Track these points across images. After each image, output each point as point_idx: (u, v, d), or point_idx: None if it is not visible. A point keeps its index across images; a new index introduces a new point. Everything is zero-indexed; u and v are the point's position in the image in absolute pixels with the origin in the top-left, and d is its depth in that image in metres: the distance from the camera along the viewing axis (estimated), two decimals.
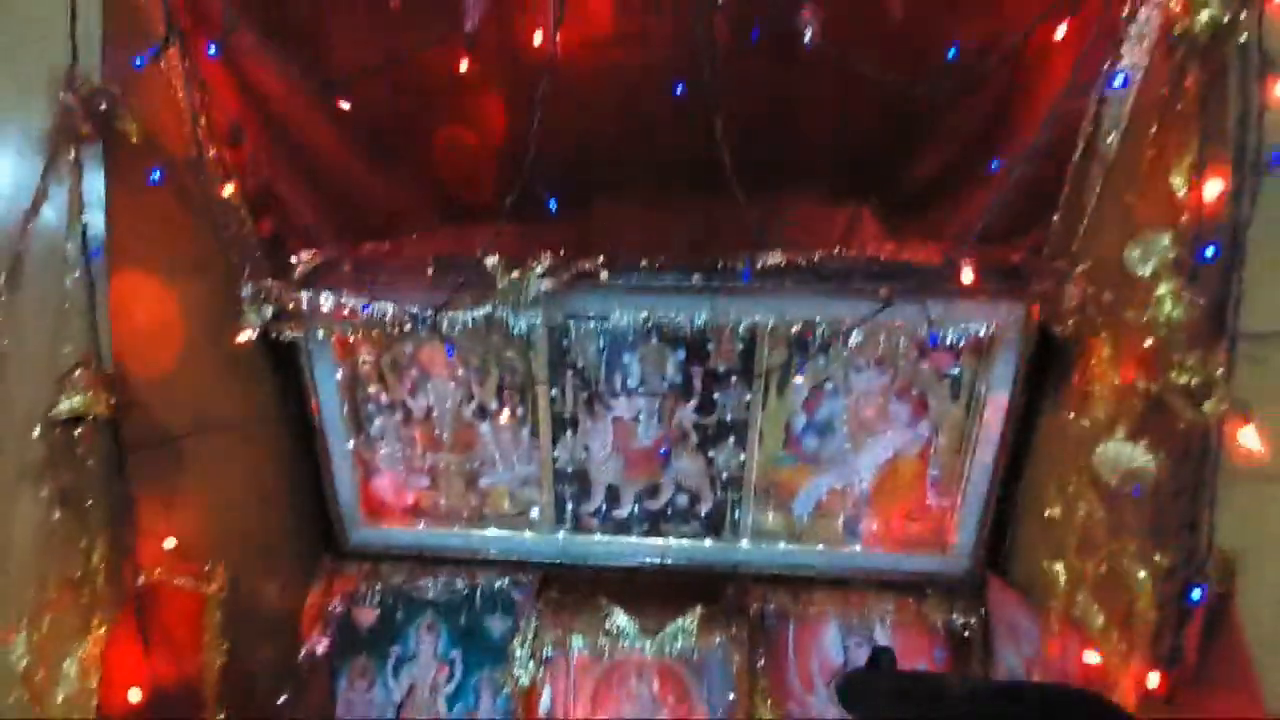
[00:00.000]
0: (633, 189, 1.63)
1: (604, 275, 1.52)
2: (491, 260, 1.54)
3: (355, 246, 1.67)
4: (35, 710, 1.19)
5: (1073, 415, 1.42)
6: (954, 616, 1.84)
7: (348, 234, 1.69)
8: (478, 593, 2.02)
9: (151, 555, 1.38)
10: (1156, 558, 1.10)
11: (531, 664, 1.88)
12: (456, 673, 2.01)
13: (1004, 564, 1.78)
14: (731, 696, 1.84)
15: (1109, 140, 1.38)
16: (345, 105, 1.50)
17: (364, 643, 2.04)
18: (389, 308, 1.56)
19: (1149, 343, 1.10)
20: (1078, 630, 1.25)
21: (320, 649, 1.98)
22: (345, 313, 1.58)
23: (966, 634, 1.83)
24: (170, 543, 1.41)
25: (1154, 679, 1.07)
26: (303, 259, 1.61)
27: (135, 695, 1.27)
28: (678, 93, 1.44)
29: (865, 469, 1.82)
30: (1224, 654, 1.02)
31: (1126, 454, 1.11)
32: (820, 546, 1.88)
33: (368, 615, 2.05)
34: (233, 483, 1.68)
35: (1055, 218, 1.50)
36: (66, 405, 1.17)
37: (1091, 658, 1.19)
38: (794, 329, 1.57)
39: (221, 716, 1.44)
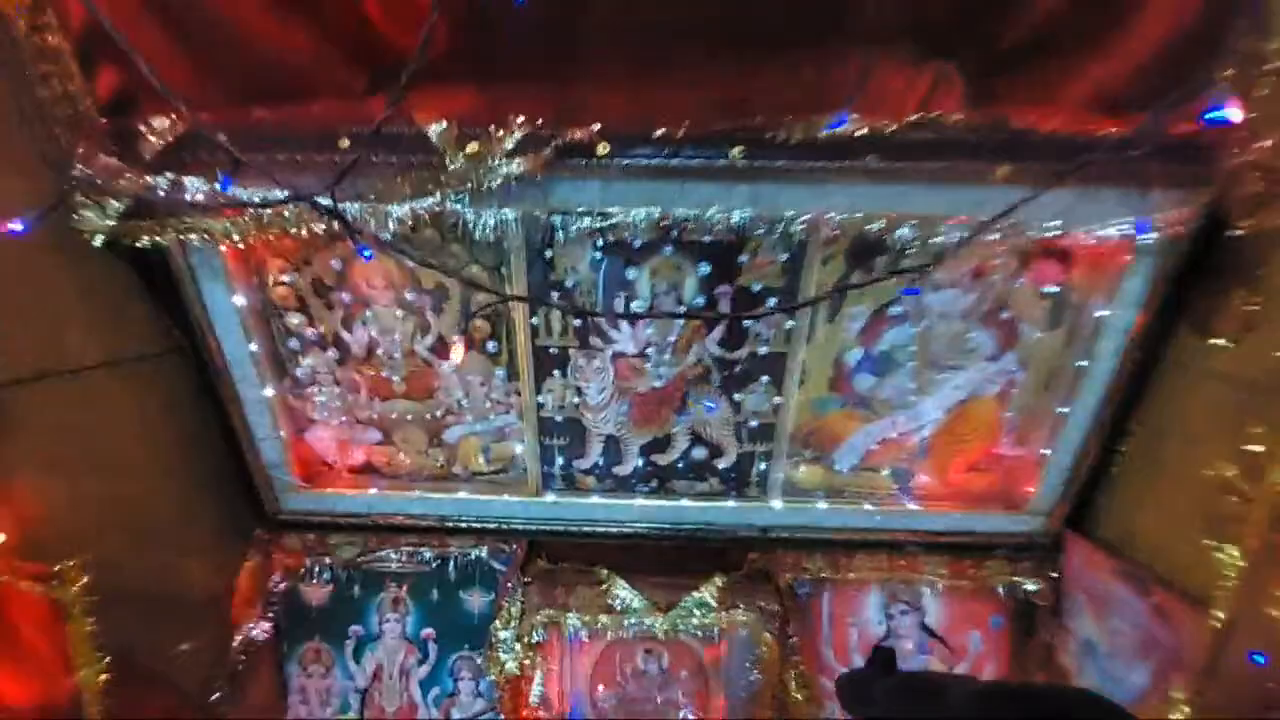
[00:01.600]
0: (636, 42, 1.13)
1: (601, 149, 1.05)
2: (437, 128, 1.05)
3: (235, 110, 1.14)
4: None
5: (1232, 341, 1.06)
6: (1018, 580, 1.56)
7: (226, 95, 1.16)
8: (450, 564, 1.67)
9: None
10: None
11: (519, 647, 1.57)
12: (430, 654, 1.70)
13: (1090, 524, 1.48)
14: (757, 675, 1.58)
15: None
16: None
17: (315, 624, 1.70)
18: (279, 195, 1.07)
19: None
20: (1248, 629, 0.94)
21: (260, 634, 1.64)
22: (220, 204, 1.09)
23: (1032, 600, 1.56)
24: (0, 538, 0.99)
25: None
26: (156, 129, 1.09)
27: None
28: None
29: (930, 414, 1.46)
30: None
31: None
32: (866, 506, 1.56)
33: (318, 592, 1.70)
34: (100, 444, 1.24)
35: (1217, 75, 1.06)
36: None
37: (1260, 660, 0.90)
38: (872, 228, 1.12)
39: None
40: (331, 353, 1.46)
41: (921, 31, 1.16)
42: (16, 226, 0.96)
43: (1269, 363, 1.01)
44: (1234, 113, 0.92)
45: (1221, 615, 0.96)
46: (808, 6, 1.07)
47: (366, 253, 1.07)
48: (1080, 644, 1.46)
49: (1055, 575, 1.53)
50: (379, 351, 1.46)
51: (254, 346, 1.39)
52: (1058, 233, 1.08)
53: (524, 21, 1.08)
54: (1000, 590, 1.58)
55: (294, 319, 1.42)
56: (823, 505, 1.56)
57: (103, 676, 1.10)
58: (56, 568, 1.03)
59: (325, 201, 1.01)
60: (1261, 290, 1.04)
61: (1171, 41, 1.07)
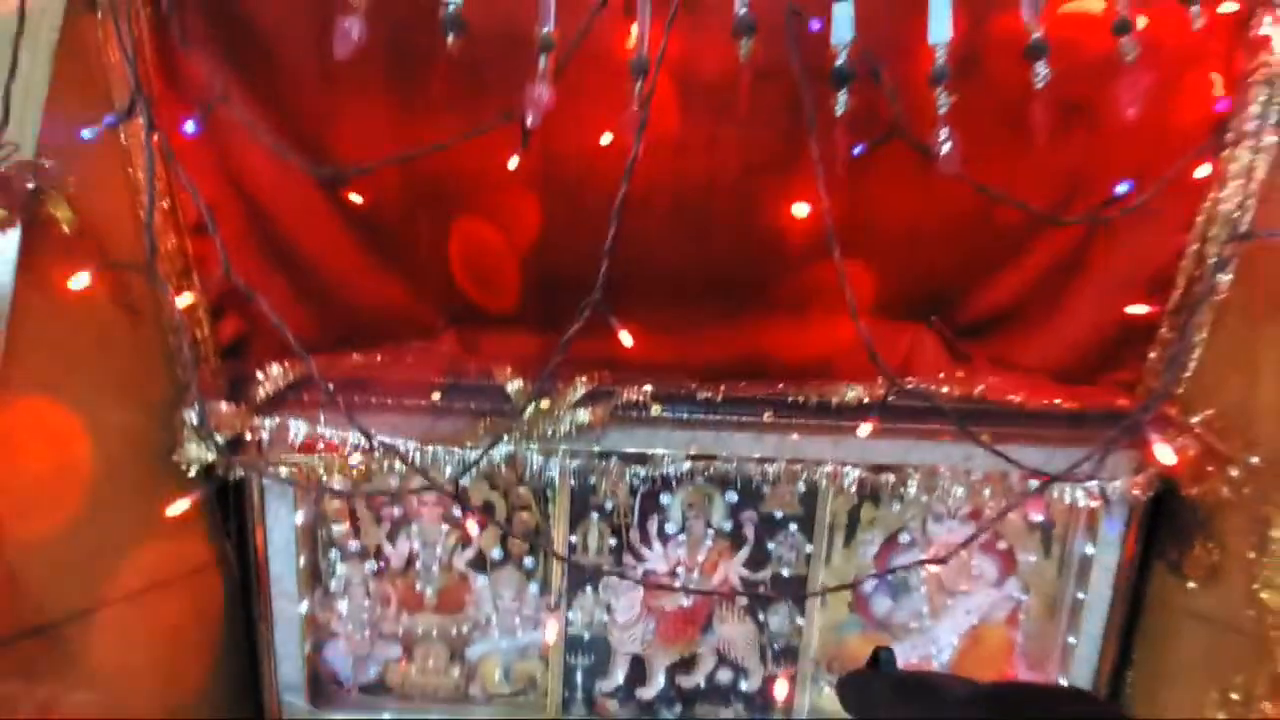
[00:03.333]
0: (674, 305, 1.41)
1: (655, 410, 1.25)
2: (514, 385, 1.25)
3: (337, 357, 1.35)
4: None
5: (1199, 584, 1.20)
6: None
7: (329, 341, 1.38)
8: None
9: None
10: None
11: None
12: None
13: None
14: None
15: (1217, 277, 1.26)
16: (357, 199, 1.24)
17: None
18: (378, 443, 1.22)
19: None
20: None
21: None
22: (320, 447, 1.23)
23: None
24: None
25: None
26: (271, 375, 1.27)
27: None
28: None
29: (945, 639, 1.53)
30: None
31: None
32: None
33: None
34: (130, 667, 1.22)
35: (1152, 354, 1.36)
36: None
37: None
38: (884, 476, 1.31)
39: None
40: (370, 564, 1.51)
41: (898, 304, 1.47)
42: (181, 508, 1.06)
43: (1237, 609, 1.14)
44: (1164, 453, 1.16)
45: None
46: (805, 279, 1.36)
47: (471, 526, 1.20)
48: None
49: None
50: (418, 564, 1.51)
51: (301, 561, 1.43)
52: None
53: (580, 283, 1.35)
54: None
55: (339, 529, 1.49)
56: None
57: None
58: None
59: (449, 489, 1.17)
60: (1218, 544, 1.21)
61: (1102, 329, 1.38)
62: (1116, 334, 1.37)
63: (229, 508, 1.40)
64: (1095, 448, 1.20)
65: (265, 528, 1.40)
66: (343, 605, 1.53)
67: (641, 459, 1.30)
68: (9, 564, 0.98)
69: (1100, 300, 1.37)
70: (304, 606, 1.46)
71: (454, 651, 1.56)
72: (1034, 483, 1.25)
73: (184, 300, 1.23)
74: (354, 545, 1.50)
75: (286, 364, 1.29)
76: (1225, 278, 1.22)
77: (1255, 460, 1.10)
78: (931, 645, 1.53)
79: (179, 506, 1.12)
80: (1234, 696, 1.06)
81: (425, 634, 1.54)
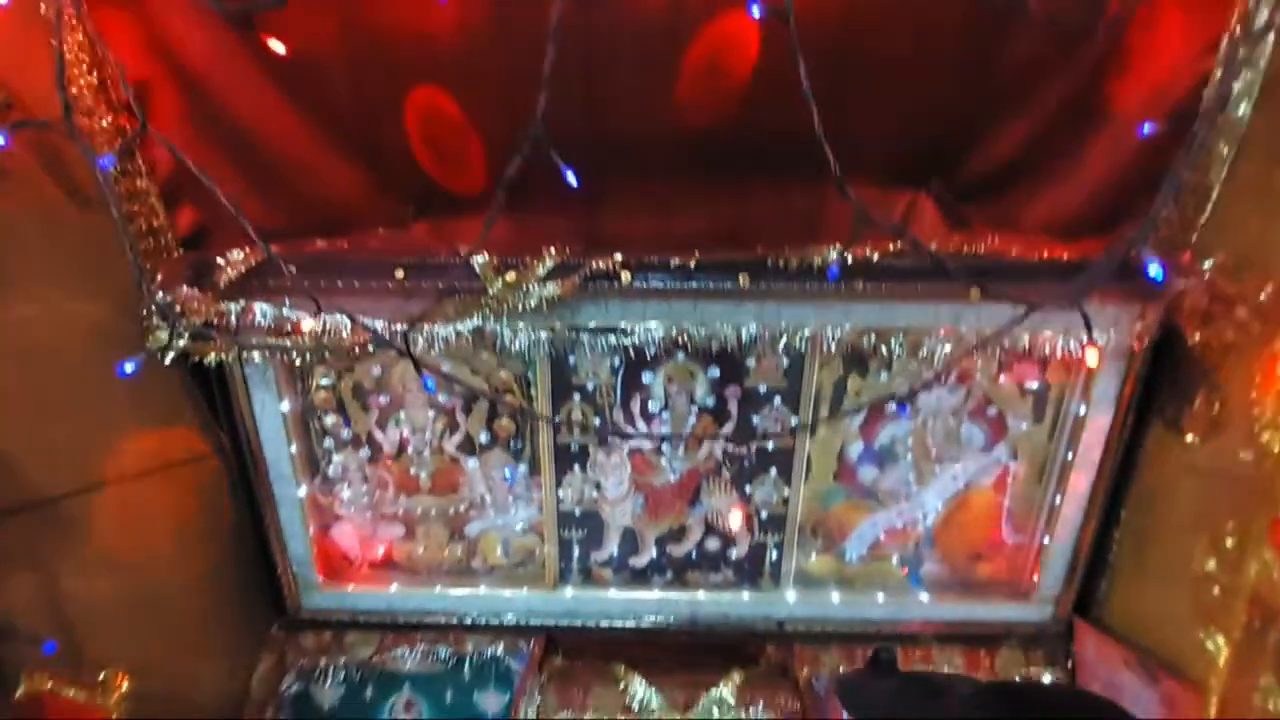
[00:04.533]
0: (650, 174, 1.32)
1: (625, 278, 1.20)
2: (479, 259, 1.20)
3: (301, 244, 1.31)
4: None
5: (1200, 438, 1.17)
6: (1032, 670, 1.57)
7: (293, 230, 1.33)
8: (466, 663, 1.66)
9: (31, 662, 1.00)
10: None
11: None
12: None
13: (1097, 611, 1.51)
14: None
15: (1240, 111, 1.13)
16: (279, 47, 1.14)
17: None
18: (345, 323, 1.20)
19: None
20: (1243, 711, 0.98)
21: None
22: (288, 330, 1.22)
23: None
24: (52, 648, 1.03)
25: None
26: (232, 261, 1.24)
27: None
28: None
29: (931, 504, 1.54)
30: None
31: None
32: (879, 596, 1.59)
33: (329, 695, 1.68)
34: (140, 546, 1.29)
35: (1159, 203, 1.25)
36: None
37: None
38: (867, 339, 1.26)
39: None
40: (364, 451, 1.55)
41: (895, 165, 1.36)
42: (128, 368, 1.07)
43: (1237, 459, 1.11)
44: (1155, 270, 1.08)
45: (1216, 703, 0.99)
46: (794, 144, 1.26)
47: (430, 384, 1.19)
48: None
49: (1069, 663, 1.54)
50: (409, 450, 1.55)
51: (294, 448, 1.47)
52: (1024, 344, 1.22)
53: (554, 163, 1.27)
54: (1016, 680, 1.58)
55: (330, 419, 1.52)
56: (835, 596, 1.60)
57: None
58: (100, 677, 1.06)
59: (397, 330, 1.15)
60: (1220, 395, 1.16)
61: (1120, 174, 1.26)
62: (1132, 179, 1.25)
63: (217, 399, 1.43)
64: (1085, 276, 1.12)
65: (254, 417, 1.42)
66: (344, 491, 1.59)
67: (617, 331, 1.26)
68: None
69: (1115, 143, 1.25)
70: (303, 491, 1.52)
71: (453, 530, 1.63)
72: (1020, 339, 1.19)
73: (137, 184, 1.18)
74: (346, 434, 1.53)
75: (248, 250, 1.26)
76: (1245, 111, 1.09)
77: (1265, 296, 1.03)
78: (917, 511, 1.55)
79: (132, 363, 1.11)
80: (1228, 543, 1.05)
81: (424, 514, 1.61)
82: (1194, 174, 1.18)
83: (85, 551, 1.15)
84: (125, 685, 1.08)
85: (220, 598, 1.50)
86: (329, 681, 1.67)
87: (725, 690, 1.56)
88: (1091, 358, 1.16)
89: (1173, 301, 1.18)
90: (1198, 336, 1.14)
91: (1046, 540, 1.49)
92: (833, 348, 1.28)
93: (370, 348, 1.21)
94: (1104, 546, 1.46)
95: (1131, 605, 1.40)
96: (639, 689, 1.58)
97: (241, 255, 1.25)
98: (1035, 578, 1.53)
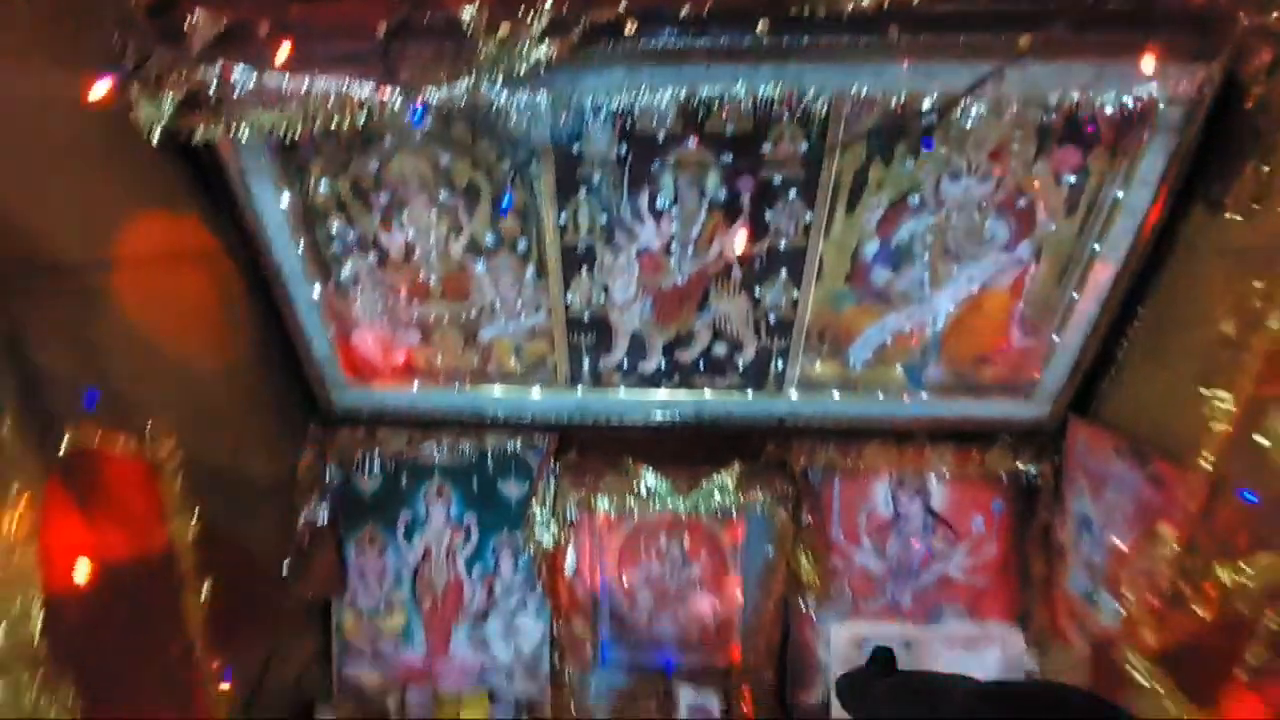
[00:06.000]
0: None
1: (629, 28, 1.07)
2: (469, 11, 1.08)
3: (272, 4, 1.18)
4: None
5: (1241, 214, 1.09)
6: (1021, 466, 1.66)
7: None
8: (488, 456, 1.82)
9: (74, 415, 1.10)
10: None
11: (554, 525, 1.73)
12: (473, 536, 1.87)
13: (1094, 408, 1.55)
14: (771, 550, 1.72)
15: None
16: None
17: (368, 511, 1.87)
18: (329, 87, 1.12)
19: None
20: (1234, 471, 1.02)
21: (319, 519, 1.81)
22: (271, 98, 1.14)
23: (1033, 484, 1.66)
24: (93, 399, 1.12)
25: None
26: (200, 23, 1.13)
27: (83, 568, 1.06)
28: None
29: (943, 307, 1.52)
30: None
31: None
32: (879, 395, 1.64)
33: (369, 483, 1.87)
34: (172, 331, 1.35)
35: None
36: None
37: (1251, 498, 0.98)
38: (895, 100, 1.14)
39: (207, 586, 1.26)
40: (372, 256, 1.55)
41: None
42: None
43: (1269, 227, 1.04)
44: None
45: (1211, 458, 1.03)
46: None
47: (418, 116, 1.13)
48: (1077, 521, 1.56)
49: (1057, 459, 1.62)
50: (416, 254, 1.54)
51: (301, 248, 1.47)
52: (1073, 99, 1.10)
53: None
54: (1003, 476, 1.68)
55: (335, 222, 1.50)
56: (835, 395, 1.65)
57: (193, 530, 1.25)
58: (148, 423, 1.16)
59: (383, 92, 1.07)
60: (1272, 159, 1.06)
61: None
62: None
63: (220, 199, 1.40)
64: None
65: (256, 211, 1.41)
66: (358, 296, 1.62)
67: (624, 91, 1.16)
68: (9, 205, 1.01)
69: None
70: (317, 291, 1.55)
71: (467, 335, 1.68)
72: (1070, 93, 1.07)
73: None
74: (352, 236, 1.52)
75: (213, 11, 1.14)
76: None
77: None
78: (927, 314, 1.54)
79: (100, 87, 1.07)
80: (1254, 303, 1.00)
81: (438, 320, 1.65)
82: None
83: (115, 324, 1.20)
84: (172, 439, 1.19)
85: (253, 389, 1.60)
86: (368, 472, 1.85)
87: (726, 478, 1.69)
88: (1148, 65, 1.03)
89: (1234, 52, 1.03)
90: (1255, 92, 1.01)
91: (1056, 338, 1.48)
92: (860, 115, 1.17)
93: (362, 112, 1.14)
94: (1113, 343, 1.45)
95: (1133, 397, 1.42)
96: (646, 477, 1.71)
97: (208, 17, 1.14)
98: (1038, 375, 1.55)
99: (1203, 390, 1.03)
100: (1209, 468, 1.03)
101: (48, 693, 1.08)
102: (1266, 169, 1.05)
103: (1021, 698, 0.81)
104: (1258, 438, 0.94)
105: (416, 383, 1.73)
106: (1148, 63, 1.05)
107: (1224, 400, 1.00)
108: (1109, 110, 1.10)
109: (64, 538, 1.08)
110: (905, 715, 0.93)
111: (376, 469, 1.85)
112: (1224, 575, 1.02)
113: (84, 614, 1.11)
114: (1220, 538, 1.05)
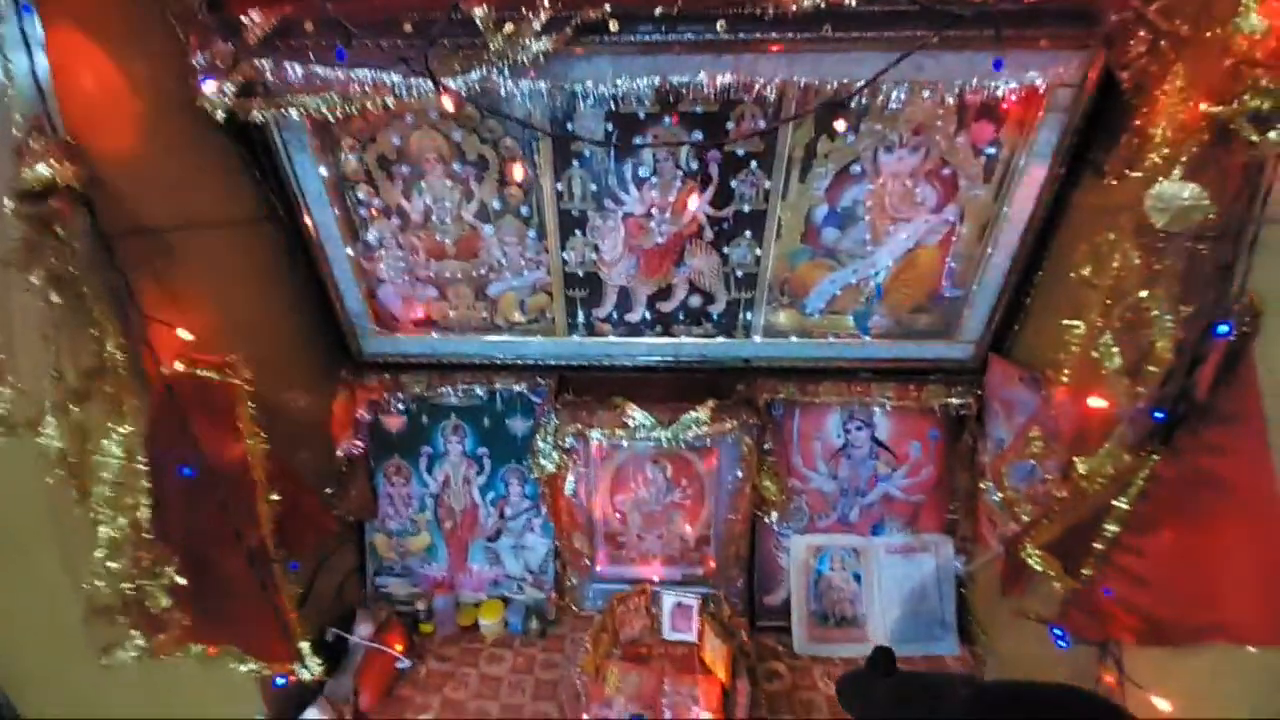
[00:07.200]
0: None
1: (613, 26, 1.31)
2: (480, 11, 1.31)
3: (312, 4, 1.41)
4: (74, 487, 1.26)
5: (1116, 179, 1.35)
6: (951, 400, 1.94)
7: None
8: (497, 397, 2.10)
9: (168, 346, 1.36)
10: (1183, 305, 1.10)
11: (555, 453, 2.02)
12: (486, 467, 2.16)
13: (1010, 348, 1.83)
14: (740, 474, 2.02)
15: None
16: None
17: (395, 445, 2.17)
18: (366, 76, 1.37)
19: (1228, 61, 0.98)
20: (1084, 383, 1.30)
21: (354, 452, 2.10)
22: (316, 84, 1.39)
23: (961, 414, 1.95)
24: (185, 334, 1.39)
25: (1159, 415, 1.14)
26: (254, 20, 1.37)
27: (180, 470, 1.34)
28: None
29: (883, 261, 1.78)
30: (1235, 393, 1.07)
31: (1180, 193, 1.06)
32: (831, 340, 1.92)
33: (395, 421, 2.15)
34: (232, 285, 1.62)
35: None
36: (31, 174, 1.05)
37: (1097, 402, 1.26)
38: (831, 86, 1.39)
39: (275, 497, 1.55)
40: (395, 220, 1.80)
41: None
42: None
43: (1133, 190, 1.29)
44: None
45: (1069, 374, 1.31)
46: None
47: (446, 101, 1.38)
48: (994, 443, 1.86)
49: (980, 392, 1.91)
50: (433, 218, 1.79)
51: (335, 213, 1.72)
52: (972, 88, 1.35)
53: None
54: (936, 408, 1.97)
55: (362, 191, 1.75)
56: (795, 340, 1.93)
57: (264, 446, 1.53)
58: (228, 358, 1.43)
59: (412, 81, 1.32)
60: (1141, 132, 1.30)
61: None
62: None
63: (266, 172, 1.65)
64: None
65: (298, 181, 1.66)
66: (383, 257, 1.87)
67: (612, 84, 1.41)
68: (101, 169, 1.25)
69: None
70: (350, 250, 1.81)
71: (477, 290, 1.94)
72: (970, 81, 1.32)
73: None
74: (378, 203, 1.77)
75: (265, 9, 1.38)
76: None
77: (1184, 29, 1.12)
78: (870, 269, 1.80)
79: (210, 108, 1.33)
80: (1104, 249, 1.25)
81: (452, 277, 1.91)
82: None
83: (194, 276, 1.46)
84: (247, 371, 1.46)
85: (295, 336, 1.87)
86: (393, 411, 2.13)
87: (702, 413, 1.98)
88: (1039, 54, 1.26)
89: (1109, 41, 1.27)
90: (1126, 75, 1.26)
91: (975, 288, 1.75)
92: (806, 97, 1.42)
93: (393, 94, 1.38)
94: (1022, 293, 1.73)
95: (1035, 338, 1.71)
96: (633, 413, 2.00)
97: (260, 15, 1.37)
98: (962, 323, 1.83)
99: (1064, 322, 1.30)
100: (1066, 381, 1.31)
101: (162, 563, 1.38)
102: (1137, 141, 1.30)
103: (1021, 698, 0.82)
104: (1095, 355, 1.22)
105: (434, 333, 2.00)
106: (1039, 53, 1.29)
107: (1078, 329, 1.27)
108: (1012, 92, 1.35)
109: (165, 445, 1.36)
110: (905, 715, 0.92)
111: (401, 408, 2.13)
112: (1080, 466, 1.30)
113: (183, 506, 1.40)
114: (1075, 436, 1.34)
